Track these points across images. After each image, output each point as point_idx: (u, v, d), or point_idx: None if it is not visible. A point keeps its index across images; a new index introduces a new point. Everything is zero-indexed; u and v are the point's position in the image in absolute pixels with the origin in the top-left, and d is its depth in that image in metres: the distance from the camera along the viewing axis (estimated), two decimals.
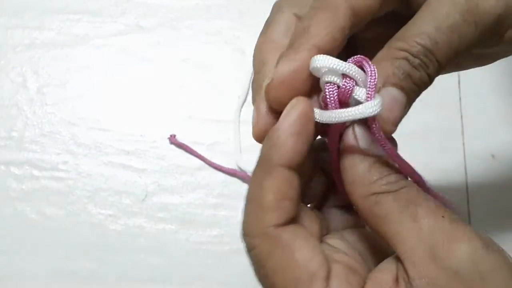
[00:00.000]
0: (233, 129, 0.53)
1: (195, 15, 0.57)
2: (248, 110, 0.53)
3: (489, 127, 0.53)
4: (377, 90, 0.24)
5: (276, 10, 0.29)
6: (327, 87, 0.24)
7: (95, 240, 0.49)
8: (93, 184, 0.51)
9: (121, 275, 0.49)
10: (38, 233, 0.50)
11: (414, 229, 0.23)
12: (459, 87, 0.54)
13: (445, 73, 0.30)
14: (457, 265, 0.22)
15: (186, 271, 0.49)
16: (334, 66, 0.23)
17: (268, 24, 0.29)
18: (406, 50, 0.25)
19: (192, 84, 0.55)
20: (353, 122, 0.25)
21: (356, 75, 0.24)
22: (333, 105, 0.24)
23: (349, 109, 0.23)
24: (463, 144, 0.52)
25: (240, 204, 0.51)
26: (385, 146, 0.25)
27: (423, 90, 0.26)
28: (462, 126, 0.53)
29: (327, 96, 0.24)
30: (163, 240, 0.50)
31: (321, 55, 0.24)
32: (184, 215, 0.50)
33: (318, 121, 0.24)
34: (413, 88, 0.25)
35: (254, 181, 0.25)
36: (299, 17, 0.27)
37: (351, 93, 0.24)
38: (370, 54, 0.26)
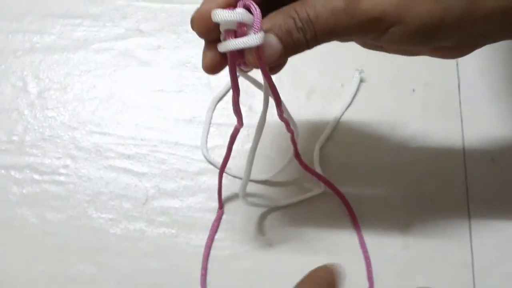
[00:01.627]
0: (203, 127, 0.54)
1: None
2: (220, 112, 0.53)
3: (489, 131, 0.53)
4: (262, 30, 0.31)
5: None
6: (227, 35, 0.31)
7: (95, 244, 0.49)
8: (94, 188, 0.51)
9: (122, 280, 0.48)
10: (38, 237, 0.50)
11: None
12: (459, 91, 0.54)
13: (346, 41, 0.37)
14: None
15: (186, 275, 0.49)
16: (229, 18, 0.30)
17: None
18: (297, 13, 0.31)
19: (192, 88, 0.55)
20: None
21: (246, 19, 0.30)
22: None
23: (240, 38, 0.31)
24: (463, 147, 0.52)
25: (241, 208, 0.52)
26: (265, 73, 0.33)
27: (301, 50, 0.33)
28: (462, 129, 0.53)
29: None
30: (163, 244, 0.50)
31: (217, 10, 0.30)
32: (184, 219, 0.50)
33: (220, 50, 0.32)
34: (290, 43, 0.32)
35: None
36: None
37: (245, 35, 0.31)
38: None
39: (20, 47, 0.56)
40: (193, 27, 0.32)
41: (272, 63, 0.32)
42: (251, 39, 0.30)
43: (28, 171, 0.52)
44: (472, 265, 0.49)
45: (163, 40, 0.57)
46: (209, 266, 0.49)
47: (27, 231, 0.50)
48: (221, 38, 0.32)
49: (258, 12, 0.31)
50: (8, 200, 0.51)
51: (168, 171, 0.52)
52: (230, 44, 0.31)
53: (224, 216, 0.50)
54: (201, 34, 0.32)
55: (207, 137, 0.53)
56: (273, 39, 0.31)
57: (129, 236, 0.50)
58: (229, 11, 0.30)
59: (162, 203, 0.51)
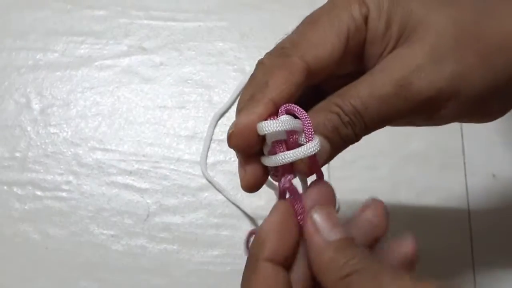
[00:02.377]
0: (204, 143, 0.53)
1: (197, 36, 0.58)
2: (221, 128, 0.54)
3: (490, 146, 0.53)
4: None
5: (259, 62, 0.32)
6: (276, 147, 0.28)
7: (97, 260, 0.49)
8: (96, 204, 0.51)
9: None
10: (40, 253, 0.50)
11: None
12: None
13: (396, 126, 0.33)
14: None
15: None
16: (279, 129, 0.27)
17: (251, 76, 0.32)
18: (340, 107, 0.28)
19: (194, 104, 0.55)
20: (311, 210, 0.27)
21: (294, 126, 0.27)
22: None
23: (297, 150, 0.27)
24: (464, 163, 0.52)
25: (242, 224, 0.52)
26: (320, 175, 0.28)
27: (349, 144, 0.29)
28: (463, 145, 0.53)
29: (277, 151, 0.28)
30: (165, 260, 0.49)
31: (264, 122, 0.27)
32: (186, 235, 0.50)
33: (267, 165, 0.28)
34: (338, 141, 0.28)
35: (244, 277, 0.27)
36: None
37: (296, 143, 0.27)
38: None
39: (24, 64, 0.57)
40: (231, 143, 0.28)
41: (321, 167, 0.29)
42: (309, 148, 0.27)
43: (30, 187, 0.52)
44: (474, 281, 0.49)
45: (165, 57, 0.57)
46: (211, 281, 0.49)
47: (29, 247, 0.50)
48: (266, 151, 0.28)
49: (306, 116, 0.27)
50: (10, 216, 0.51)
51: (170, 187, 0.52)
52: (286, 157, 0.27)
53: (226, 232, 0.50)
54: (241, 149, 0.29)
55: (207, 154, 0.53)
56: (322, 141, 0.28)
57: (130, 252, 0.50)
58: (277, 121, 0.27)
59: (163, 219, 0.51)
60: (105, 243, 0.50)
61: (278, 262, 0.27)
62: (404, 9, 0.29)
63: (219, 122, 0.54)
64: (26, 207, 0.51)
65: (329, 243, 0.26)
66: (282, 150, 0.27)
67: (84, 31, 0.58)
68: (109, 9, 0.58)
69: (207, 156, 0.53)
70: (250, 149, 0.28)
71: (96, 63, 0.57)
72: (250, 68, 0.56)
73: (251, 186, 0.29)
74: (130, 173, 0.53)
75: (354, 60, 0.31)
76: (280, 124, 0.27)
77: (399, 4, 0.30)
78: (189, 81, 0.56)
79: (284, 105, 0.28)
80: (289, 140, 0.27)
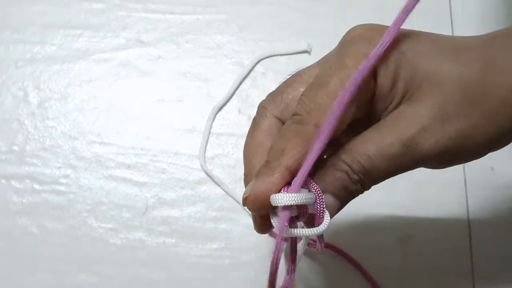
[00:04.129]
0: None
1: (195, 29, 0.57)
2: (219, 121, 0.54)
3: None
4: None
5: (260, 113, 0.33)
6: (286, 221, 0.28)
7: (95, 254, 0.49)
8: (94, 198, 0.51)
9: None
10: (38, 247, 0.50)
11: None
12: None
13: None
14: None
15: (186, 285, 0.49)
16: (288, 204, 0.27)
17: (254, 125, 0.33)
18: (349, 165, 0.29)
19: (192, 97, 0.55)
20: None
21: (306, 201, 0.28)
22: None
23: (306, 230, 0.29)
24: None
25: (241, 218, 0.52)
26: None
27: (356, 196, 0.31)
28: None
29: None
30: (163, 254, 0.50)
31: (278, 194, 0.28)
32: (184, 229, 0.50)
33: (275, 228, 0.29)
34: (347, 196, 0.30)
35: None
36: (279, 120, 0.32)
37: (305, 214, 0.29)
38: None
39: (21, 58, 0.56)
40: (246, 205, 0.30)
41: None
42: (319, 229, 0.28)
43: (28, 181, 0.52)
44: (472, 274, 0.49)
45: (163, 50, 0.57)
46: (210, 275, 0.49)
47: (27, 240, 0.50)
48: (273, 221, 0.29)
49: (320, 194, 0.28)
50: (8, 209, 0.51)
51: (168, 181, 0.52)
52: (295, 233, 0.29)
53: (225, 226, 0.51)
54: (255, 212, 0.30)
55: (205, 148, 0.53)
56: (329, 199, 0.29)
57: (129, 245, 0.50)
58: (290, 195, 0.27)
59: (162, 212, 0.51)
60: (104, 237, 0.50)
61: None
62: (410, 65, 0.30)
63: (218, 115, 0.54)
64: (24, 201, 0.51)
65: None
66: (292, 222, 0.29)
67: (82, 24, 0.58)
68: (107, 2, 0.58)
69: (205, 150, 0.53)
70: (264, 212, 0.29)
71: (93, 56, 0.57)
72: (248, 61, 0.56)
73: (261, 233, 0.32)
74: (128, 166, 0.53)
75: (361, 111, 0.31)
76: (293, 199, 0.27)
77: (406, 59, 0.30)
78: (187, 75, 0.56)
79: (299, 179, 0.28)
80: (300, 212, 0.28)
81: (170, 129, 0.54)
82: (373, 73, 0.30)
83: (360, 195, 0.31)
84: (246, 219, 0.50)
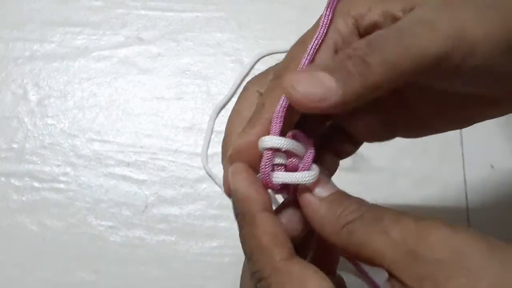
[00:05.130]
0: (204, 136, 0.53)
1: (195, 27, 0.57)
2: (220, 119, 0.54)
3: (488, 137, 0.53)
4: (307, 71, 0.26)
5: (244, 89, 0.32)
6: (276, 167, 0.28)
7: (95, 252, 0.49)
8: (93, 196, 0.51)
9: (121, 287, 0.48)
10: (38, 245, 0.50)
11: (388, 241, 0.24)
12: None
13: (418, 136, 0.34)
14: (434, 253, 0.23)
15: (186, 282, 0.49)
16: (278, 146, 0.27)
17: (237, 101, 0.32)
18: (350, 47, 0.26)
19: (191, 95, 0.55)
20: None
21: (296, 150, 0.27)
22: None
23: (291, 174, 0.27)
24: (462, 154, 0.52)
25: None
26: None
27: (366, 84, 0.25)
28: (461, 136, 0.53)
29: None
30: (163, 252, 0.50)
31: (267, 136, 0.27)
32: (184, 227, 0.50)
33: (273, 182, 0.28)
34: (345, 74, 0.25)
35: (245, 236, 0.28)
36: (260, 94, 0.31)
37: (295, 167, 0.28)
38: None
39: (21, 55, 0.56)
40: (230, 161, 0.28)
41: (328, 108, 0.25)
42: (303, 177, 0.27)
43: (28, 179, 0.52)
44: None
45: (162, 48, 0.57)
46: (210, 273, 0.49)
47: (26, 238, 0.50)
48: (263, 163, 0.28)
49: (310, 144, 0.28)
50: (8, 207, 0.51)
51: (168, 179, 0.52)
52: (280, 177, 0.27)
53: (224, 224, 0.50)
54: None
55: (208, 147, 0.53)
56: (321, 74, 0.25)
57: (128, 243, 0.50)
58: (279, 138, 0.27)
59: (161, 210, 0.51)
60: (103, 235, 0.50)
61: (269, 210, 0.27)
62: None
63: (219, 113, 0.54)
64: (23, 199, 0.51)
65: (322, 199, 0.27)
66: (280, 169, 0.28)
67: (81, 22, 0.58)
68: None
69: (207, 149, 0.53)
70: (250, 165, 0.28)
71: (93, 54, 0.57)
72: (248, 59, 0.56)
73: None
74: (128, 164, 0.52)
75: None
76: (282, 142, 0.27)
77: None
78: (186, 72, 0.56)
79: (291, 131, 0.28)
80: (289, 164, 0.28)
81: (170, 126, 0.54)
82: (354, 27, 0.28)
83: (373, 86, 0.25)
84: None
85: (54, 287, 0.48)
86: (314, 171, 0.27)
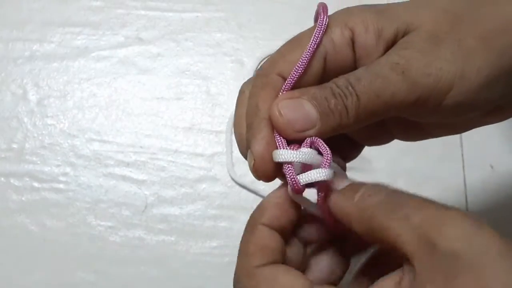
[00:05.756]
0: (225, 142, 0.53)
1: (194, 27, 0.57)
2: (219, 119, 0.53)
3: (487, 138, 0.53)
4: (291, 97, 0.28)
5: (240, 92, 0.32)
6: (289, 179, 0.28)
7: (95, 252, 0.49)
8: (93, 196, 0.51)
9: (121, 287, 0.48)
10: (38, 245, 0.50)
11: (408, 228, 0.24)
12: None
13: (415, 140, 0.34)
14: (453, 245, 0.23)
15: (186, 282, 0.49)
16: (292, 160, 0.28)
17: (236, 104, 0.32)
18: (334, 82, 0.28)
19: (191, 95, 0.55)
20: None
21: (311, 159, 0.28)
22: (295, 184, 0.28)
23: (313, 173, 0.28)
24: (462, 154, 0.52)
25: (240, 216, 0.52)
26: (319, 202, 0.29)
27: (341, 126, 0.28)
28: (461, 137, 0.53)
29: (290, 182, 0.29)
30: (163, 252, 0.50)
31: (279, 150, 0.28)
32: (183, 227, 0.50)
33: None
34: (326, 111, 0.27)
35: (243, 237, 0.29)
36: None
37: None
38: None
39: (20, 55, 0.56)
40: (257, 173, 0.29)
41: (306, 137, 0.28)
42: (318, 173, 0.27)
43: (27, 179, 0.52)
44: None
45: (162, 48, 0.57)
46: (209, 273, 0.49)
47: (26, 238, 0.50)
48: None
49: (328, 153, 0.28)
50: (7, 207, 0.51)
51: (168, 179, 0.52)
52: (305, 178, 0.28)
53: (224, 224, 0.50)
54: (267, 177, 0.29)
55: (231, 158, 0.52)
56: (306, 105, 0.27)
57: (128, 243, 0.50)
58: (295, 152, 0.28)
59: (161, 210, 0.51)
60: (103, 235, 0.50)
61: (274, 228, 0.28)
62: (391, 16, 0.29)
63: (217, 113, 0.54)
64: (23, 199, 0.51)
65: (340, 190, 0.28)
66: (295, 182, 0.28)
67: (81, 22, 0.58)
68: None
69: (232, 159, 0.52)
70: (273, 172, 0.29)
71: (93, 54, 0.57)
72: (248, 59, 0.56)
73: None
74: (128, 164, 0.52)
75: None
76: (297, 156, 0.27)
77: (384, 14, 0.29)
78: (186, 72, 0.56)
79: (309, 138, 0.28)
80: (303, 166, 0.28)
81: (170, 127, 0.54)
82: (349, 41, 0.29)
83: (343, 130, 0.28)
84: (246, 217, 0.50)
85: (54, 287, 0.48)
86: (333, 167, 0.28)
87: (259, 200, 0.51)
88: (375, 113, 0.28)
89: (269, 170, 0.28)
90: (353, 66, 0.30)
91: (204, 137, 0.53)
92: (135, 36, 0.57)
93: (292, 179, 0.28)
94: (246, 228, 0.29)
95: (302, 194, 0.29)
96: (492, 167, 0.52)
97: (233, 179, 0.52)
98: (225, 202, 0.51)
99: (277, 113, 0.28)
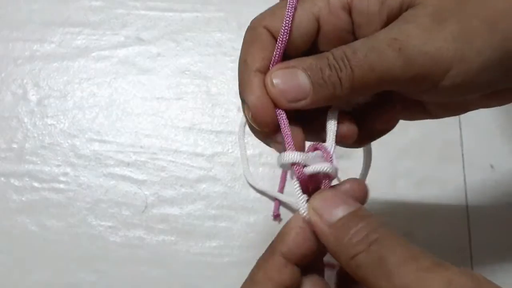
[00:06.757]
0: (236, 143, 0.53)
1: (194, 27, 0.57)
2: (219, 119, 0.53)
3: (488, 137, 0.53)
4: (286, 67, 0.28)
5: (249, 28, 0.32)
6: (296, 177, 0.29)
7: (95, 251, 0.49)
8: (93, 196, 0.51)
9: (121, 287, 0.48)
10: (38, 245, 0.50)
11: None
12: None
13: (414, 119, 0.34)
14: None
15: (186, 282, 0.49)
16: (297, 161, 0.28)
17: (246, 41, 0.31)
18: (331, 53, 0.28)
19: (191, 95, 0.55)
20: (310, 200, 0.28)
21: (314, 159, 0.29)
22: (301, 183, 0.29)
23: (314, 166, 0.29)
24: (462, 154, 0.52)
25: (240, 216, 0.52)
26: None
27: (333, 98, 0.28)
28: (461, 136, 0.53)
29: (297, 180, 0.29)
30: (163, 252, 0.50)
31: (286, 153, 0.28)
32: (183, 227, 0.50)
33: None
34: (320, 81, 0.28)
35: (258, 260, 0.29)
36: (269, 30, 0.31)
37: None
38: None
39: (21, 55, 0.56)
40: (254, 122, 0.29)
41: (299, 107, 0.28)
42: (323, 167, 0.29)
43: (27, 179, 0.52)
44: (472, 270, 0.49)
45: (162, 48, 0.57)
46: (209, 273, 0.49)
47: (26, 238, 0.50)
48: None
49: (329, 152, 0.29)
50: (7, 207, 0.51)
51: (168, 179, 0.52)
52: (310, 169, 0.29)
53: (224, 224, 0.50)
54: (266, 123, 0.29)
55: (247, 161, 0.52)
56: (300, 75, 0.28)
57: (128, 243, 0.50)
58: (302, 154, 0.28)
59: (161, 210, 0.51)
60: (103, 235, 0.50)
61: (292, 259, 0.28)
62: None
63: (217, 113, 0.54)
64: (23, 199, 0.51)
65: (331, 225, 0.27)
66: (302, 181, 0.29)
67: (81, 22, 0.58)
68: None
69: (247, 163, 0.52)
70: (272, 120, 0.29)
71: (93, 54, 0.57)
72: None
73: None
74: (128, 164, 0.52)
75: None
76: (301, 156, 0.28)
77: None
78: (186, 72, 0.56)
79: (312, 144, 0.29)
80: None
81: (170, 127, 0.54)
82: (345, 5, 0.29)
83: (335, 102, 0.29)
84: (245, 217, 0.50)
85: (54, 287, 0.48)
86: (334, 166, 0.29)
87: (259, 200, 0.51)
88: (369, 86, 0.28)
89: (267, 116, 0.28)
90: (351, 32, 0.30)
91: (204, 137, 0.53)
92: (135, 36, 0.57)
93: (299, 172, 0.28)
94: (264, 253, 0.29)
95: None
96: (492, 167, 0.52)
97: (250, 184, 0.51)
98: (225, 202, 0.51)
99: (269, 83, 0.28)
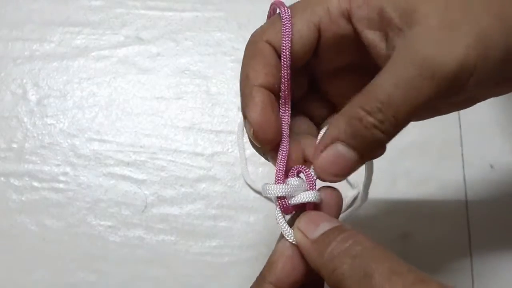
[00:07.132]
0: (236, 142, 0.53)
1: (194, 27, 0.57)
2: (219, 119, 0.53)
3: (487, 137, 0.53)
4: (326, 146, 0.28)
5: (250, 42, 0.32)
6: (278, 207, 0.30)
7: (94, 251, 0.49)
8: (93, 195, 0.51)
9: (121, 287, 0.48)
10: (37, 245, 0.50)
11: None
12: None
13: (423, 119, 0.33)
14: None
15: (185, 282, 0.49)
16: (282, 195, 0.29)
17: (248, 55, 0.32)
18: (362, 108, 0.27)
19: (191, 95, 0.55)
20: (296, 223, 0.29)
21: (298, 188, 0.29)
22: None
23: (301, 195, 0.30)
24: (462, 154, 0.52)
25: (240, 215, 0.52)
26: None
27: (382, 145, 0.28)
28: (461, 136, 0.53)
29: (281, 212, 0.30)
30: (162, 252, 0.50)
31: (267, 185, 0.29)
32: (183, 226, 0.50)
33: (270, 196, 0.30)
34: (364, 146, 0.27)
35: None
36: (270, 44, 0.30)
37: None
38: (332, 86, 0.32)
39: (20, 55, 0.56)
40: (256, 140, 0.29)
41: (336, 179, 0.29)
42: (305, 197, 0.29)
43: (27, 179, 0.52)
44: (472, 271, 0.49)
45: (162, 47, 0.57)
46: (209, 272, 0.49)
47: (26, 238, 0.50)
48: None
49: (310, 177, 0.30)
50: (7, 207, 0.51)
51: (167, 178, 0.52)
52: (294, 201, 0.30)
53: (224, 223, 0.50)
54: (267, 141, 0.29)
55: (246, 163, 0.52)
56: (340, 148, 0.28)
57: (128, 243, 0.50)
58: (284, 185, 0.29)
59: (161, 210, 0.51)
60: (103, 234, 0.50)
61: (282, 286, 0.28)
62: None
63: (217, 113, 0.54)
64: (23, 198, 0.51)
65: (313, 240, 0.27)
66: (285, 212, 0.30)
67: (81, 22, 0.58)
68: None
69: (247, 164, 0.52)
70: (274, 136, 0.29)
71: (92, 54, 0.57)
72: None
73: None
74: (128, 164, 0.52)
75: (342, 54, 0.31)
76: (286, 189, 0.29)
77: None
78: (186, 72, 0.56)
79: (295, 167, 0.30)
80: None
81: (169, 126, 0.54)
82: (345, 12, 0.29)
83: (385, 143, 0.28)
84: (245, 216, 0.50)
85: (54, 287, 0.48)
86: (318, 192, 0.30)
87: (259, 199, 0.51)
88: (411, 119, 0.27)
89: (269, 134, 0.28)
90: (352, 38, 0.29)
91: (204, 137, 0.53)
92: (135, 35, 0.57)
93: (283, 204, 0.29)
94: (254, 282, 0.29)
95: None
96: (492, 166, 0.52)
97: (248, 184, 0.51)
98: (225, 202, 0.51)
99: (321, 173, 0.29)
